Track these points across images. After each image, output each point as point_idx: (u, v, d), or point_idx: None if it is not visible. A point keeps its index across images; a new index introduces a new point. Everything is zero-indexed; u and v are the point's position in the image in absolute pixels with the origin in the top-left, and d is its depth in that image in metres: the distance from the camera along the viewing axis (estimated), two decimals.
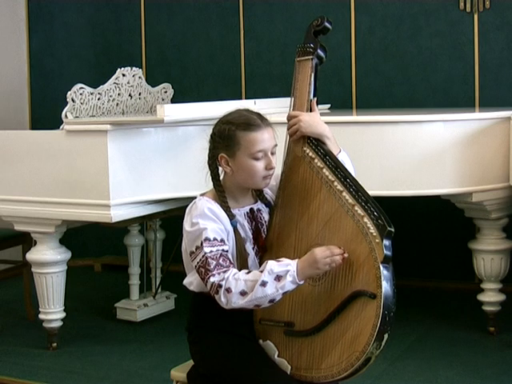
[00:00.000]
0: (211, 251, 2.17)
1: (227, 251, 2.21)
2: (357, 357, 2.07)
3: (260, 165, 2.25)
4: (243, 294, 2.11)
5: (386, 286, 2.04)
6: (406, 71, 4.97)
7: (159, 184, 3.75)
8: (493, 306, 3.98)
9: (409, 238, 4.97)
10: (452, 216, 4.54)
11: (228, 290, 2.12)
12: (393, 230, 2.07)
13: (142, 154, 3.71)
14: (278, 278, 2.10)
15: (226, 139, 2.26)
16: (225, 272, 2.15)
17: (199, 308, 2.35)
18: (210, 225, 2.20)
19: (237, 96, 5.28)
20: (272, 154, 2.27)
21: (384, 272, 2.05)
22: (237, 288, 2.12)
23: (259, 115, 2.29)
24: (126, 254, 4.68)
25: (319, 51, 2.38)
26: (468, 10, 4.77)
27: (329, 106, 4.75)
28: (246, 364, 2.23)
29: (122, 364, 3.81)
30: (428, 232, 4.99)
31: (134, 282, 4.55)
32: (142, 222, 4.45)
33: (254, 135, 2.24)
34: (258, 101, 3.99)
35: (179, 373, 2.45)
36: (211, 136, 2.31)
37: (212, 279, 2.15)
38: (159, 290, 4.55)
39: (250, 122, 2.25)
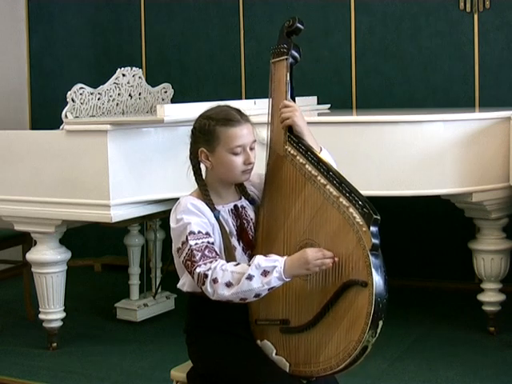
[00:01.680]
0: (196, 243, 2.18)
1: (213, 243, 2.21)
2: (354, 346, 2.07)
3: (238, 160, 2.27)
4: (229, 285, 2.11)
5: (376, 273, 2.05)
6: (406, 71, 4.97)
7: (159, 184, 3.75)
8: (493, 306, 3.98)
9: (409, 238, 4.97)
10: (452, 216, 4.53)
11: (214, 281, 2.12)
12: (379, 217, 2.07)
13: (142, 154, 3.71)
14: (265, 273, 2.10)
15: (206, 134, 2.28)
16: (211, 262, 2.15)
17: (195, 309, 2.35)
18: (194, 219, 2.21)
19: (237, 96, 5.28)
20: (251, 149, 2.30)
21: (373, 259, 2.06)
22: (223, 279, 2.12)
23: (239, 111, 2.32)
24: (126, 254, 4.68)
25: (293, 51, 2.40)
26: (468, 10, 4.76)
27: (329, 106, 4.75)
28: (243, 363, 2.24)
29: (122, 364, 3.81)
30: (428, 232, 4.98)
31: (134, 281, 4.55)
32: (142, 222, 4.45)
33: (234, 130, 2.26)
34: (257, 101, 3.97)
35: (179, 373, 2.45)
36: (192, 131, 2.34)
37: (198, 269, 2.15)
38: (159, 290, 4.55)
39: (230, 117, 2.28)
